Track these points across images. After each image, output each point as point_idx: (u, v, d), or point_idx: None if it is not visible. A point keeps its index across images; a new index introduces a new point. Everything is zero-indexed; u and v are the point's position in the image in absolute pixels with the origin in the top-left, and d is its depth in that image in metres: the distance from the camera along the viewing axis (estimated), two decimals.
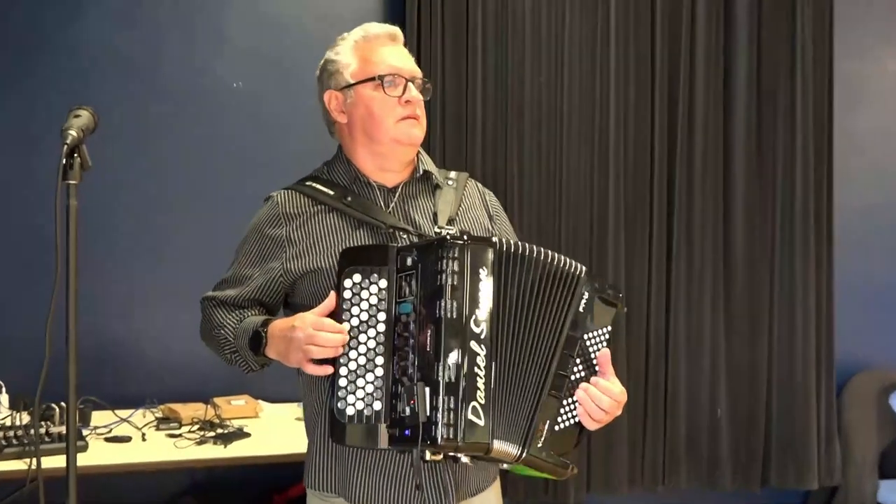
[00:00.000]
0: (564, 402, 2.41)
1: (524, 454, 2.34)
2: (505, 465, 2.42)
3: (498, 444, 2.29)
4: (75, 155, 2.30)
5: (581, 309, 2.44)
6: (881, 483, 5.69)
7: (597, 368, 2.46)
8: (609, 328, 2.49)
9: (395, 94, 2.63)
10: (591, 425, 2.45)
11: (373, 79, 2.64)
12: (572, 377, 2.42)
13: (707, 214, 5.46)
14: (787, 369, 5.58)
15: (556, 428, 2.39)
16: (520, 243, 2.43)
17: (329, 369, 2.33)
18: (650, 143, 5.39)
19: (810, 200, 5.57)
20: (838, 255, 5.69)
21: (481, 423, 2.24)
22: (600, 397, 2.41)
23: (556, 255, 2.46)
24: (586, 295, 2.45)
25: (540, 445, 2.35)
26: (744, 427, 5.57)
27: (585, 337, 2.44)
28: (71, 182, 2.29)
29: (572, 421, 2.43)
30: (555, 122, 5.22)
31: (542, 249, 2.44)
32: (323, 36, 4.87)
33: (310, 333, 2.34)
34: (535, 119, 5.18)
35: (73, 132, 2.30)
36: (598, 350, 2.46)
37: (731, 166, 5.53)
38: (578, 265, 2.48)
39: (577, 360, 2.43)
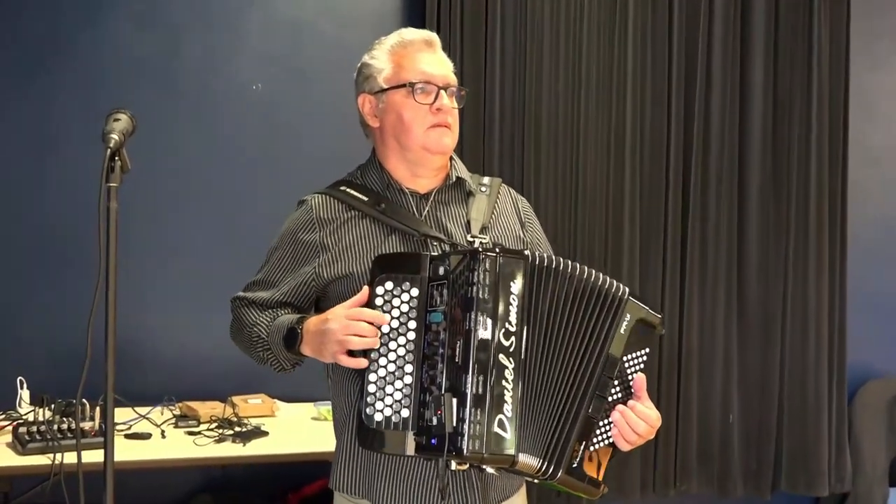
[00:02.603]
0: (601, 423, 2.42)
1: (559, 473, 2.34)
2: (536, 481, 2.42)
3: (525, 458, 2.29)
4: (116, 158, 2.30)
5: (622, 331, 2.43)
6: (891, 490, 5.74)
7: (633, 390, 2.46)
8: (647, 350, 2.49)
9: (426, 101, 2.62)
10: (624, 447, 2.45)
11: (404, 85, 2.63)
12: (610, 399, 2.42)
13: (721, 224, 5.50)
14: (798, 377, 5.62)
15: (592, 448, 2.39)
16: (553, 257, 2.42)
17: (364, 362, 2.34)
18: (665, 153, 5.43)
19: (824, 211, 5.61)
20: (851, 265, 5.72)
21: (507, 435, 2.25)
22: (637, 422, 2.42)
23: (595, 272, 2.45)
24: (628, 317, 2.44)
25: (575, 465, 2.36)
26: (755, 434, 5.61)
27: (625, 359, 2.44)
28: (112, 185, 2.28)
29: (606, 441, 2.43)
30: (571, 130, 5.26)
31: (579, 265, 2.43)
32: (341, 38, 4.99)
33: (345, 324, 2.36)
34: (552, 126, 5.21)
35: (115, 136, 2.30)
36: (636, 372, 2.46)
37: (745, 177, 5.57)
38: (621, 286, 2.47)
39: (616, 382, 2.43)
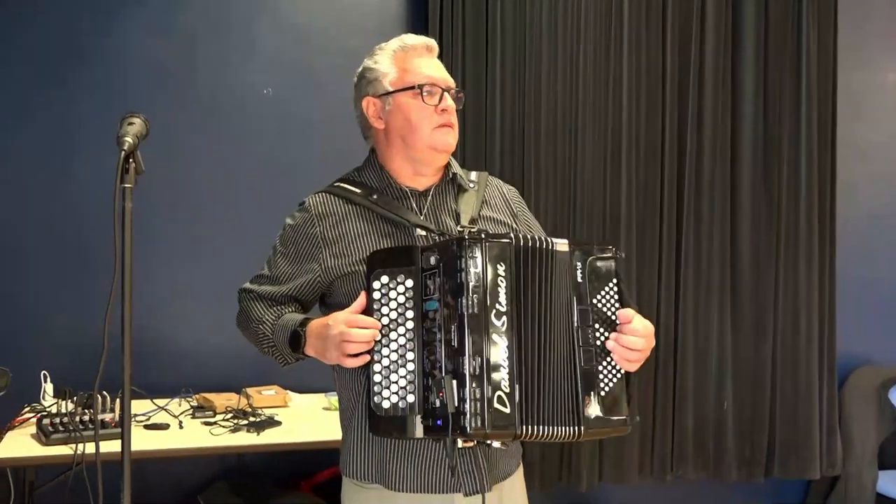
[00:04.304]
0: (600, 367, 2.47)
1: (581, 431, 2.41)
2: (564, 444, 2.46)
3: (539, 429, 2.35)
4: (130, 160, 2.35)
5: (579, 279, 2.49)
6: (880, 474, 5.79)
7: (618, 324, 2.51)
8: (614, 280, 2.54)
9: (432, 102, 2.69)
10: (633, 368, 2.51)
11: (412, 87, 2.70)
12: (598, 343, 2.48)
13: (715, 218, 5.58)
14: (790, 365, 5.69)
15: (602, 394, 2.45)
16: (535, 237, 2.48)
17: (366, 358, 2.42)
18: (660, 152, 5.51)
19: (813, 206, 5.69)
20: (840, 257, 5.80)
21: (507, 410, 2.30)
22: (632, 342, 2.48)
23: (547, 238, 2.52)
24: (579, 265, 2.50)
25: (593, 417, 2.42)
26: (749, 420, 5.68)
27: (594, 301, 2.50)
28: (126, 186, 2.33)
29: (615, 380, 2.49)
30: (569, 129, 5.35)
31: (545, 238, 2.51)
32: (347, 45, 5.07)
33: (342, 330, 2.42)
34: (550, 126, 5.31)
35: (129, 139, 2.35)
36: (614, 305, 2.53)
37: (737, 174, 5.64)
38: (558, 241, 2.52)
39: (596, 326, 2.48)
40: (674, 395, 5.57)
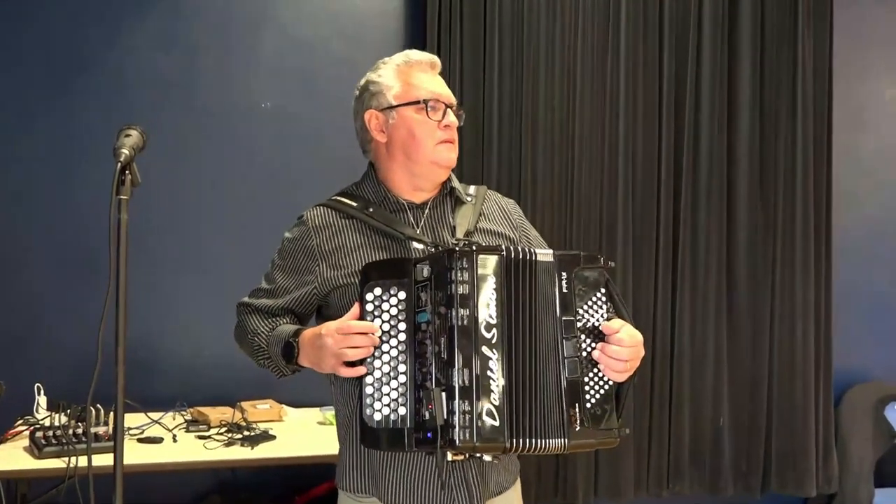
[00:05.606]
0: (586, 379, 2.46)
1: (566, 443, 2.41)
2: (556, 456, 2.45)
3: (527, 441, 2.36)
4: (126, 172, 2.35)
5: (564, 290, 2.49)
6: (877, 491, 5.78)
7: (605, 336, 2.51)
8: (602, 290, 2.55)
9: (436, 118, 2.71)
10: (621, 379, 2.51)
11: (417, 102, 2.72)
12: (583, 354, 2.47)
13: (711, 232, 5.56)
14: (787, 381, 5.67)
15: (588, 405, 2.44)
16: (527, 250, 2.49)
17: (362, 370, 2.41)
18: (657, 164, 5.50)
19: (810, 218, 5.68)
20: (837, 272, 5.79)
21: (496, 423, 2.30)
22: (617, 352, 2.47)
23: (532, 249, 2.52)
24: (565, 275, 2.49)
25: (578, 429, 2.41)
26: (745, 436, 5.66)
27: (580, 312, 2.50)
28: (122, 197, 2.33)
29: (602, 391, 2.48)
30: (567, 141, 5.35)
31: (530, 249, 2.51)
32: (349, 58, 5.07)
33: (339, 339, 2.43)
34: (548, 138, 5.30)
35: (125, 151, 2.36)
36: (602, 315, 2.53)
37: (734, 186, 5.63)
38: (544, 252, 2.53)
39: (582, 336, 2.48)
40: (670, 410, 5.55)
